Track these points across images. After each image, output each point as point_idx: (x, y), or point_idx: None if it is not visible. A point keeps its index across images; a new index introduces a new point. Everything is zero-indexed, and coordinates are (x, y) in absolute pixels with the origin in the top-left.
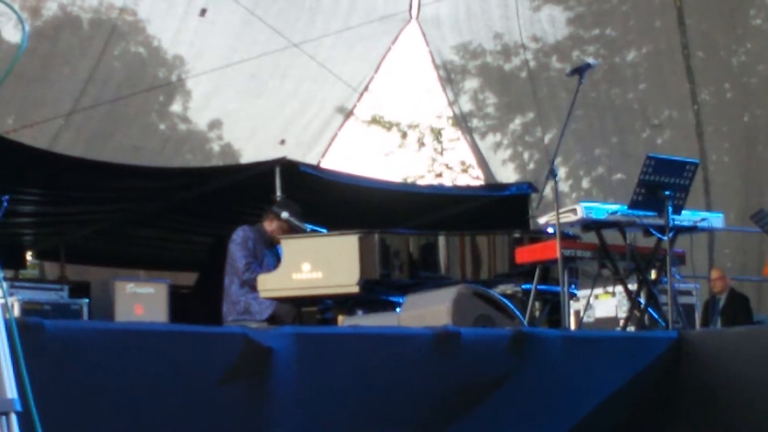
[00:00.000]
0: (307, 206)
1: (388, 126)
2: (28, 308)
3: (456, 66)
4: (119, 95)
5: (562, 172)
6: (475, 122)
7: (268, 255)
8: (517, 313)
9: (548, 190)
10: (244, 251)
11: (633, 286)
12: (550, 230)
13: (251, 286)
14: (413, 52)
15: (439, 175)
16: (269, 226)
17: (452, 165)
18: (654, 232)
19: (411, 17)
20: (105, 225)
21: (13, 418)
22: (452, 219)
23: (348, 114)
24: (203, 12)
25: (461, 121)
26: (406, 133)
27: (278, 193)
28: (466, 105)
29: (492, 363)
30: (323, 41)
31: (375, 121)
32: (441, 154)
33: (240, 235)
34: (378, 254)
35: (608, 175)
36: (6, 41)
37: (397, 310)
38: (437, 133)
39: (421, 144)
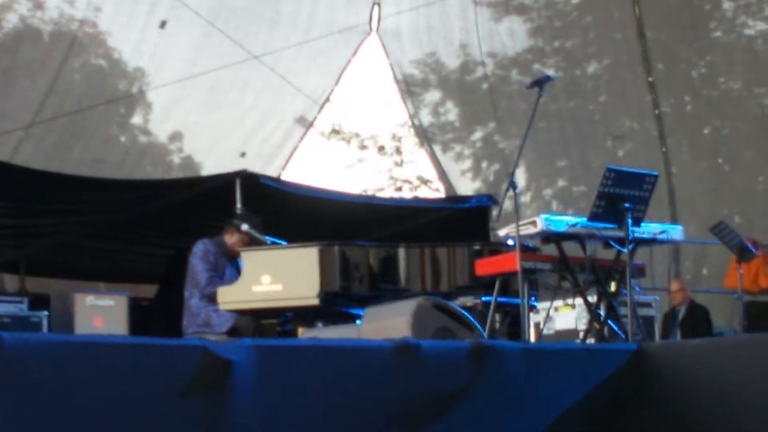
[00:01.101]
0: (268, 218)
1: (348, 138)
2: None
3: (416, 79)
4: (80, 107)
5: (522, 184)
6: (435, 134)
7: (228, 267)
8: (477, 325)
9: (508, 202)
10: (206, 265)
11: (593, 299)
12: (510, 242)
13: (213, 299)
14: (373, 64)
15: (399, 188)
16: (230, 239)
17: (412, 179)
18: (614, 244)
19: (371, 29)
20: (65, 237)
21: None
22: (413, 231)
23: (308, 126)
24: (163, 24)
25: (422, 134)
26: (365, 146)
27: (239, 205)
28: (426, 117)
29: (452, 375)
30: (283, 53)
31: (335, 132)
32: (401, 165)
33: (200, 248)
34: (338, 266)
35: (569, 187)
36: None
37: (358, 322)
38: (397, 143)
39: (382, 153)
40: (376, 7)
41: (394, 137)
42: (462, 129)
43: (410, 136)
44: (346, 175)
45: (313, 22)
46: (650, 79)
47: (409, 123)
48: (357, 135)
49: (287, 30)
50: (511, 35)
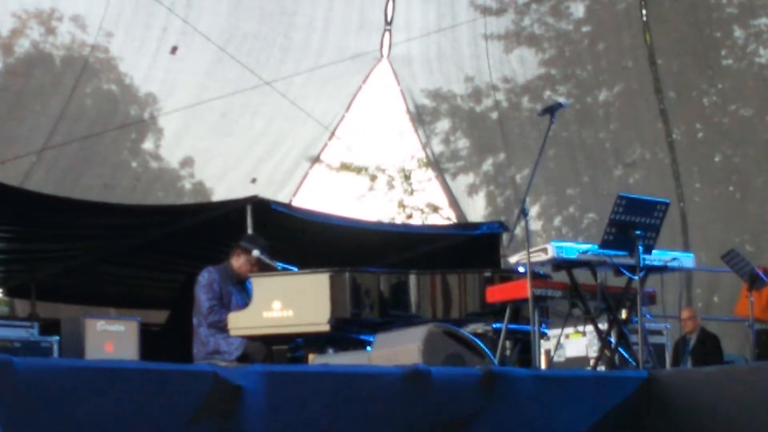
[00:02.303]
0: (279, 245)
1: (357, 170)
2: None
3: (427, 106)
4: (91, 132)
5: (533, 211)
6: (446, 163)
7: (235, 293)
8: (488, 352)
9: (519, 230)
10: (209, 294)
11: (604, 326)
12: (521, 269)
13: (218, 327)
14: (384, 91)
15: (410, 216)
16: (236, 262)
17: (422, 207)
18: (625, 271)
19: (382, 56)
20: (76, 262)
21: None
22: (423, 258)
23: (320, 152)
24: (174, 50)
25: (432, 161)
26: (375, 176)
27: (249, 231)
28: (437, 146)
29: (462, 402)
30: (294, 80)
31: (344, 167)
32: (411, 194)
33: (205, 277)
34: (349, 293)
35: (579, 215)
36: None
37: (368, 348)
38: (407, 176)
39: (391, 187)
40: (387, 34)
41: (403, 170)
42: (473, 157)
43: (421, 164)
44: (356, 204)
45: (324, 48)
46: (662, 106)
47: (420, 151)
48: (365, 169)
49: (298, 56)
50: (522, 63)
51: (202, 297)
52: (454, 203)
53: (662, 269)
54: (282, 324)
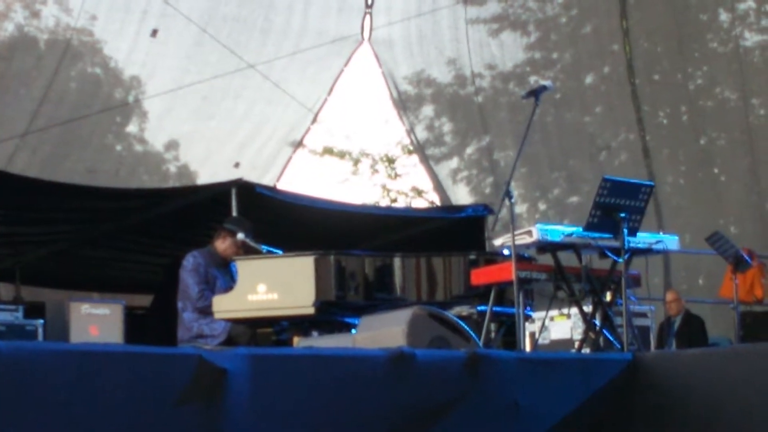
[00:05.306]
0: (263, 228)
1: (341, 155)
2: None
3: (410, 90)
4: (75, 115)
5: (517, 194)
6: (430, 148)
7: (220, 276)
8: (473, 334)
9: (504, 212)
10: (196, 278)
11: (588, 308)
12: (506, 252)
13: (206, 313)
14: (366, 74)
15: (394, 200)
16: (221, 245)
17: (406, 191)
18: (609, 254)
19: (363, 39)
20: (61, 246)
21: None
22: (408, 241)
23: (302, 136)
24: (154, 32)
25: (416, 145)
26: (359, 160)
27: (234, 214)
28: (421, 131)
29: (447, 385)
30: (275, 63)
31: (327, 151)
32: (394, 179)
33: (190, 261)
34: (334, 276)
35: (564, 198)
36: None
37: (353, 331)
38: (389, 161)
39: (374, 171)
40: (367, 17)
41: (387, 155)
42: (457, 142)
43: (405, 148)
44: (340, 188)
45: (305, 32)
46: (633, 89)
47: (404, 135)
48: (349, 154)
49: (279, 39)
50: (502, 46)
51: (190, 282)
52: (438, 187)
53: (647, 251)
54: (267, 307)
